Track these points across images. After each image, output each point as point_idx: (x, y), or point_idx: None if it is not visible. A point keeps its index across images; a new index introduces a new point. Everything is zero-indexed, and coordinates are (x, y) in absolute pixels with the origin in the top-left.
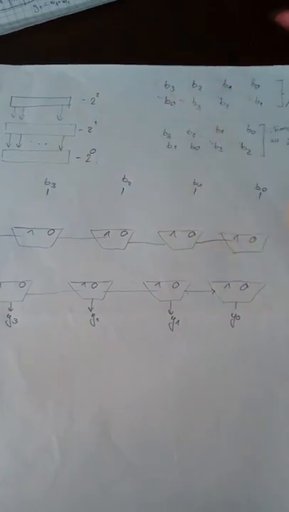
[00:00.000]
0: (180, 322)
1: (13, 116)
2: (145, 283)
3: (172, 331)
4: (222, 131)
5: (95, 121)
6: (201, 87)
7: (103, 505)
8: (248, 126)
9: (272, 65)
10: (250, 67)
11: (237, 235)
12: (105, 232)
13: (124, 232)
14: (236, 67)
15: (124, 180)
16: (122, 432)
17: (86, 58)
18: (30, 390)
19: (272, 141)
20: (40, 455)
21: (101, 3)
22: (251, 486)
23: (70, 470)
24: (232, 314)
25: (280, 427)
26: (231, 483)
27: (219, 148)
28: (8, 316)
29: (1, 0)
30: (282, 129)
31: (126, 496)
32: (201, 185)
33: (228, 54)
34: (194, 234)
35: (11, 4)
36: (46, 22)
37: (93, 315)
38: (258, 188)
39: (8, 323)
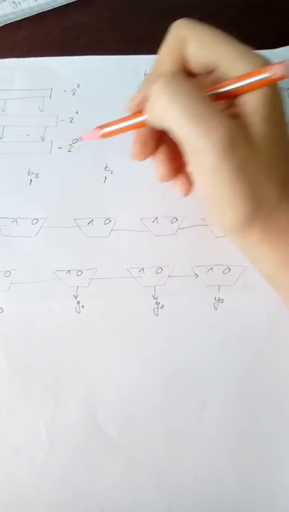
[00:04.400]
0: (164, 307)
1: None
2: (129, 269)
3: (157, 315)
4: None
5: (77, 112)
6: None
7: (92, 488)
8: None
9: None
10: None
11: None
12: (89, 220)
13: (107, 220)
14: None
15: (107, 169)
16: (108, 415)
17: (66, 51)
18: (16, 377)
19: None
20: (28, 441)
21: None
22: (238, 464)
23: (58, 455)
24: (215, 298)
25: (264, 407)
26: (218, 462)
27: None
28: None
29: None
30: None
31: (114, 479)
32: None
33: None
34: (176, 220)
35: None
36: (26, 18)
37: (78, 302)
38: None
39: None
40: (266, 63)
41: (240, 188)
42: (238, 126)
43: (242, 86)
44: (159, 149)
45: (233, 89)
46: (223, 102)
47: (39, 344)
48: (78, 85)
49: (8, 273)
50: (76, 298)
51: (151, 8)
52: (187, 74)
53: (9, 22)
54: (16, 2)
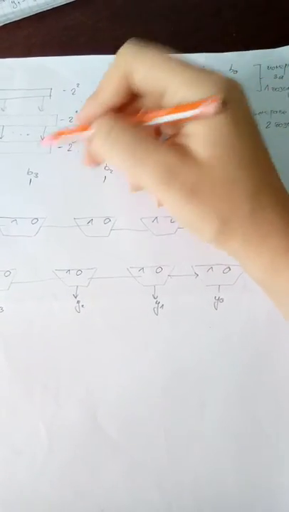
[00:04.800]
0: (164, 306)
1: None
2: (129, 269)
3: (157, 315)
4: None
5: (76, 111)
6: None
7: (92, 488)
8: None
9: (249, 50)
10: (228, 53)
11: None
12: (88, 220)
13: (107, 219)
14: (214, 53)
15: (106, 168)
16: (108, 415)
17: (66, 51)
18: (16, 377)
19: None
20: (28, 441)
21: None
22: (238, 464)
23: (58, 455)
24: (215, 297)
25: (264, 406)
26: (218, 462)
27: None
28: None
29: None
30: (260, 113)
31: (114, 479)
32: None
33: (205, 40)
34: None
35: None
36: (25, 17)
37: (78, 302)
38: None
39: None
40: (214, 91)
41: (199, 210)
42: (180, 154)
43: (172, 120)
44: None
45: (162, 122)
46: (173, 128)
47: (39, 344)
48: (78, 85)
49: (8, 272)
50: (76, 297)
51: (151, 7)
52: (134, 94)
53: (9, 22)
54: (16, 2)
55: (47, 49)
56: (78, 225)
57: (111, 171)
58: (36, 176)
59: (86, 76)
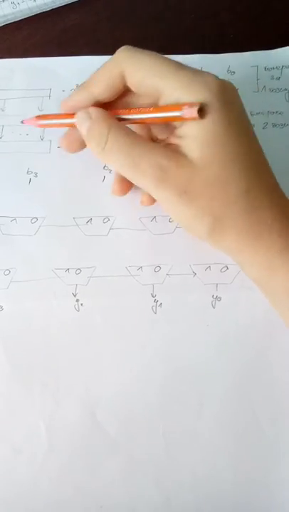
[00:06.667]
0: (163, 305)
1: None
2: (128, 268)
3: (155, 313)
4: None
5: None
6: None
7: (91, 485)
8: None
9: (246, 51)
10: (226, 54)
11: None
12: (88, 219)
13: (106, 219)
14: (211, 54)
15: (105, 168)
16: (107, 413)
17: (65, 51)
18: (16, 376)
19: None
20: (28, 439)
21: None
22: (236, 461)
23: (57, 453)
24: (213, 296)
25: (261, 404)
26: (216, 459)
27: None
28: None
29: None
30: (258, 113)
31: (113, 476)
32: None
33: (202, 41)
34: None
35: None
36: (25, 18)
37: (77, 300)
38: None
39: None
40: (207, 94)
41: (191, 209)
42: (173, 155)
43: (153, 118)
44: None
45: (144, 118)
46: (168, 131)
47: (38, 342)
48: (77, 85)
49: (8, 271)
50: (75, 296)
51: (149, 9)
52: (125, 90)
53: (8, 22)
54: (15, 3)
55: (46, 50)
56: (77, 225)
57: (110, 171)
58: (36, 176)
59: (85, 77)
